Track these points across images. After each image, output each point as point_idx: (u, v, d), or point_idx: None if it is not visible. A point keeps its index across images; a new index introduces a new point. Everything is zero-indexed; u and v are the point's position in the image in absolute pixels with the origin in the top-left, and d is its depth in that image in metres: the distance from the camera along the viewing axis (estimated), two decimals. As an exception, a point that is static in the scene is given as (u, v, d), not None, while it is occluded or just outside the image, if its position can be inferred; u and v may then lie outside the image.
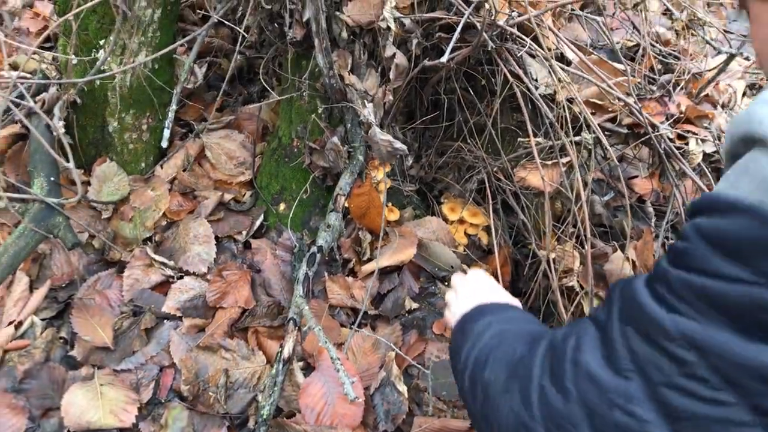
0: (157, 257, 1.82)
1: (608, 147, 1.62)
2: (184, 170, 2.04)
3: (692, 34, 2.09)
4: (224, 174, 2.04)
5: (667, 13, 2.34)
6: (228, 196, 2.01)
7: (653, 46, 2.10)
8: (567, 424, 0.70)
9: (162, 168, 2.02)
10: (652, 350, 0.65)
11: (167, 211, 1.92)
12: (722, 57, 2.14)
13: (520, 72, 1.64)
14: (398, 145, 1.71)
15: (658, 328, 0.64)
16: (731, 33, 2.78)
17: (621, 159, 2.20)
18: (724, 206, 0.62)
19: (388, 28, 1.65)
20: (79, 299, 1.75)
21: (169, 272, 1.82)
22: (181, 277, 1.82)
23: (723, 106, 2.00)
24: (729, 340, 0.60)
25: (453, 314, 1.10)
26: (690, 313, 0.62)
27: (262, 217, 1.98)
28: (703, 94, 1.96)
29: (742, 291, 0.59)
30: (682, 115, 1.85)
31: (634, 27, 2.20)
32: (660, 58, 2.11)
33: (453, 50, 1.59)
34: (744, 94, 2.30)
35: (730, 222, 0.61)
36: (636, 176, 2.18)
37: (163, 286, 1.81)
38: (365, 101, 1.71)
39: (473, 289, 1.14)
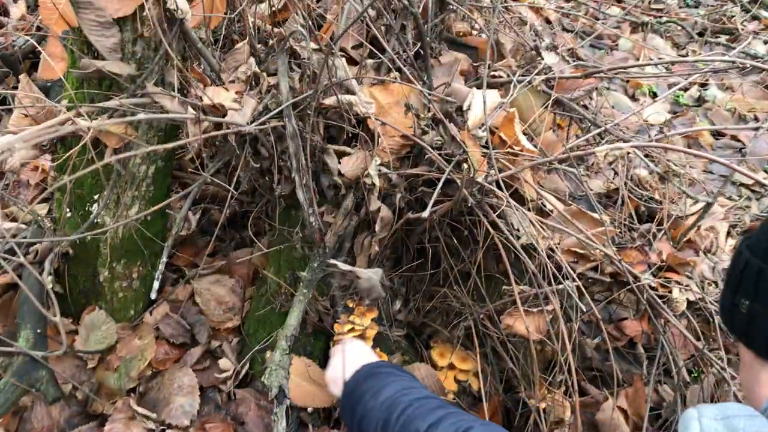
0: (139, 409, 1.79)
1: (590, 300, 1.63)
2: (172, 317, 2.05)
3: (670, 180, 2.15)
4: (213, 320, 2.04)
5: (649, 156, 2.42)
6: (215, 343, 2.00)
7: (634, 191, 2.17)
8: None
9: (151, 315, 2.02)
10: None
11: (153, 360, 1.90)
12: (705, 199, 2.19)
13: (501, 223, 1.68)
14: (369, 275, 1.72)
15: None
16: (712, 173, 2.88)
17: (610, 301, 2.21)
18: None
19: (373, 184, 1.71)
20: (57, 456, 1.70)
21: (151, 425, 1.78)
22: (164, 431, 1.78)
23: (705, 252, 2.03)
24: None
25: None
26: None
27: (248, 365, 1.96)
28: (684, 241, 2.00)
29: None
30: (664, 263, 1.87)
31: (615, 173, 2.27)
32: (641, 202, 2.16)
33: (436, 203, 1.65)
34: (728, 234, 2.33)
35: None
36: (626, 318, 2.18)
37: (144, 441, 1.77)
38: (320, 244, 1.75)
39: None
